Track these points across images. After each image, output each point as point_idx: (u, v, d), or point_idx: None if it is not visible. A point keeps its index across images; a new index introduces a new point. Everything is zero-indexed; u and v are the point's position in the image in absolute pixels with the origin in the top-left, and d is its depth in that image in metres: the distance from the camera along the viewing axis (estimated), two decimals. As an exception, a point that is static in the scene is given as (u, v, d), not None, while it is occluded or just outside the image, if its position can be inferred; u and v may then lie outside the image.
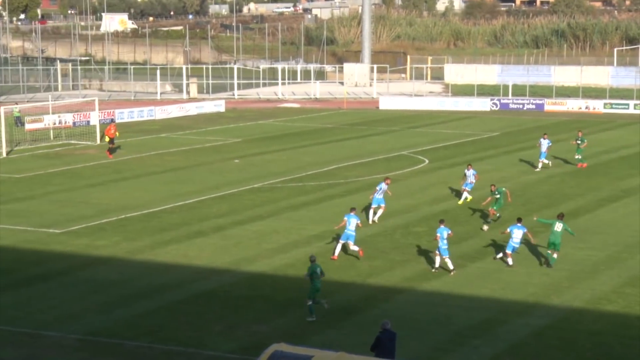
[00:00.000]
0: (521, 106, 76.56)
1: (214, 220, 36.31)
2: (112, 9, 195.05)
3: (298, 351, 18.04)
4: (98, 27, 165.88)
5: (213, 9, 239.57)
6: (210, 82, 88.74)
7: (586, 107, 75.18)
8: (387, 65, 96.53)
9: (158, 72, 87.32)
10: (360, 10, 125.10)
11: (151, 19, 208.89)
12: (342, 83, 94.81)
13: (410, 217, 36.82)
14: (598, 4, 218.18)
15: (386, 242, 32.87)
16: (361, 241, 32.78)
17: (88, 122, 64.77)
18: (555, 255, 29.80)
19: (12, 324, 24.56)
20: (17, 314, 25.40)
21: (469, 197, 39.00)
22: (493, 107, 76.74)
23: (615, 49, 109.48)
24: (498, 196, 35.25)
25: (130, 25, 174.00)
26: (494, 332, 24.11)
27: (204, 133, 62.75)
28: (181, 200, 39.92)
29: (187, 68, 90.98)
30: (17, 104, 68.37)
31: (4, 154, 52.66)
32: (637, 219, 36.27)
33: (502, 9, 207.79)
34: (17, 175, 46.36)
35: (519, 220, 30.31)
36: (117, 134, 52.95)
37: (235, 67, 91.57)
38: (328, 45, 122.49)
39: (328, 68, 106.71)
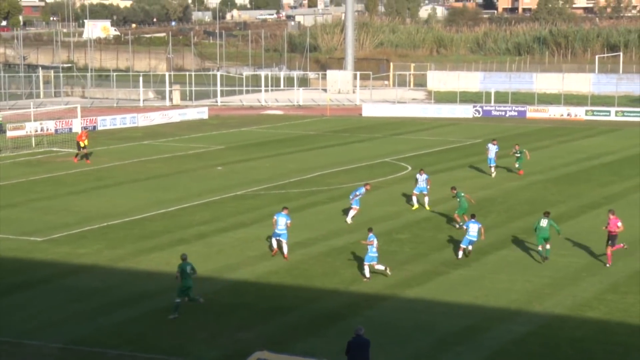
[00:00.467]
0: (503, 113, 76.88)
1: (197, 227, 36.23)
2: (94, 15, 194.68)
3: (281, 359, 18.04)
4: (80, 34, 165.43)
5: (196, 15, 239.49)
6: (193, 89, 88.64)
7: (568, 114, 75.59)
8: (370, 72, 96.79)
9: (141, 79, 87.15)
10: (343, 17, 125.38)
11: (134, 25, 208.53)
12: (325, 90, 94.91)
13: (393, 224, 36.87)
14: (579, 11, 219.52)
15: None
16: (344, 248, 32.84)
17: (70, 129, 64.53)
18: (548, 247, 30.91)
19: (-7, 333, 24.41)
20: (-2, 323, 25.25)
21: (427, 206, 39.09)
22: (475, 114, 77.02)
23: (597, 56, 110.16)
24: (459, 200, 35.60)
25: (112, 32, 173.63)
26: (476, 339, 24.16)
27: (187, 140, 62.65)
28: (164, 208, 39.81)
29: (169, 75, 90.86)
30: (-2, 111, 68.04)
31: (-15, 162, 52.37)
32: (619, 225, 36.43)
33: (485, 16, 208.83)
34: (-2, 182, 46.12)
35: (473, 216, 32.02)
36: (87, 142, 53.00)
37: (218, 74, 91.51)
38: (311, 52, 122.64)
39: (311, 75, 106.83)
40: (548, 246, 30.91)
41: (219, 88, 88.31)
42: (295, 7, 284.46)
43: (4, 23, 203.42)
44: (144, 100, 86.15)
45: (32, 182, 46.41)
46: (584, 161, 52.60)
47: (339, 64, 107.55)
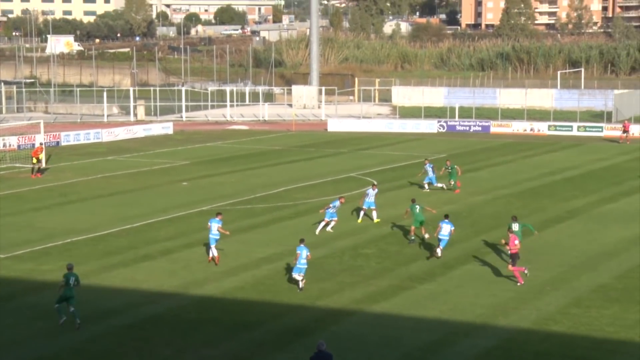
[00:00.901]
0: (468, 128, 77.41)
1: (162, 243, 36.03)
2: (57, 30, 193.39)
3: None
4: (43, 49, 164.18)
5: (160, 30, 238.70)
6: (158, 104, 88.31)
7: (531, 129, 76.31)
8: (335, 88, 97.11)
9: (105, 94, 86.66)
10: (308, 33, 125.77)
11: (98, 40, 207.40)
12: (290, 105, 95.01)
13: (358, 238, 36.92)
14: (541, 28, 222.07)
15: (335, 264, 32.90)
16: (310, 263, 32.78)
17: (33, 145, 63.84)
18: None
19: (-46, 352, 24.05)
20: (-40, 341, 24.88)
21: (376, 219, 39.44)
22: (440, 129, 77.49)
23: (559, 72, 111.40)
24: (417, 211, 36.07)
25: (76, 47, 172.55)
26: (442, 354, 24.24)
27: (152, 155, 62.35)
28: (128, 224, 39.55)
29: (134, 90, 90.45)
30: (-40, 126, 67.28)
31: (-53, 178, 51.72)
32: (582, 240, 36.83)
33: (448, 32, 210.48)
34: (-41, 199, 45.55)
35: (446, 216, 34.01)
36: (41, 156, 53.09)
37: (183, 89, 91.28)
38: (276, 67, 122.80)
39: (276, 90, 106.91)
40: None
41: (183, 103, 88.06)
42: (260, 23, 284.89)
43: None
44: (108, 116, 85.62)
45: (-5, 198, 45.89)
46: (547, 176, 53.09)
47: (304, 79, 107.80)
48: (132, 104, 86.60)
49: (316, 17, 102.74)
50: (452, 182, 47.12)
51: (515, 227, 32.92)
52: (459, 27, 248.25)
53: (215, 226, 32.75)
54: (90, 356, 23.84)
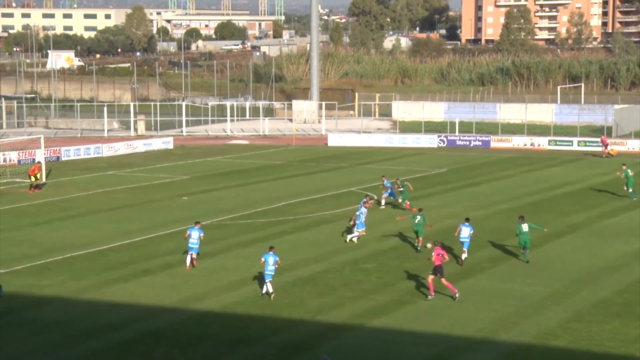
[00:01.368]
0: (468, 143, 77.43)
1: (162, 258, 35.99)
2: (58, 46, 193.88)
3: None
4: (44, 65, 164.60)
5: (161, 46, 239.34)
6: (158, 119, 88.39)
7: (531, 144, 76.32)
8: (336, 102, 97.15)
9: (105, 109, 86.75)
10: (308, 48, 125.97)
11: (98, 56, 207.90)
12: (290, 120, 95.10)
13: (359, 253, 36.89)
14: (541, 43, 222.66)
15: (335, 279, 32.86)
16: (310, 278, 32.81)
17: (33, 159, 63.80)
18: (527, 252, 34.90)
19: (-47, 367, 24.00)
20: (-41, 356, 24.84)
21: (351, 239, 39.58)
22: (440, 143, 77.52)
23: (559, 87, 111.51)
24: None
25: (77, 62, 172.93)
26: (443, 368, 24.17)
27: (152, 170, 62.37)
28: (128, 238, 39.53)
29: (134, 105, 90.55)
30: (-40, 141, 67.33)
31: (-53, 192, 51.73)
32: (583, 254, 36.80)
33: (448, 47, 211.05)
34: (-40, 213, 45.54)
35: (467, 219, 35.58)
36: (39, 175, 53.49)
37: (184, 104, 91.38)
38: (277, 82, 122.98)
39: (277, 105, 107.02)
40: (527, 252, 34.85)
41: (184, 118, 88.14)
42: (260, 38, 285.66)
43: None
44: (108, 131, 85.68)
45: (-5, 213, 45.88)
46: (547, 190, 53.08)
47: (305, 94, 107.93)
48: (132, 118, 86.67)
49: (316, 32, 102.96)
50: (400, 200, 45.95)
51: (525, 227, 34.70)
52: (459, 42, 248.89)
53: (195, 234, 33.97)
54: (89, 371, 23.78)
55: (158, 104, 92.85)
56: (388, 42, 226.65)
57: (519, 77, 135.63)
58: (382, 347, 25.76)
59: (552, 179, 57.48)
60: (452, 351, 25.40)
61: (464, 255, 35.10)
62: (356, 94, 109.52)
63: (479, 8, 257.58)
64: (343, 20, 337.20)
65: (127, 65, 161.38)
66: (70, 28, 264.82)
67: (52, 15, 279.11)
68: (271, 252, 30.55)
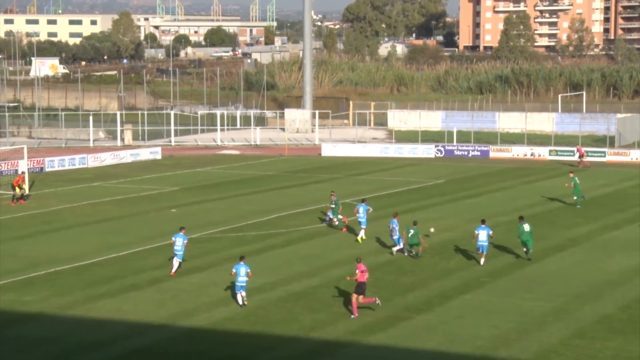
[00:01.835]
0: (466, 153, 77.56)
1: (150, 272, 35.92)
2: (42, 53, 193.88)
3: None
4: (27, 72, 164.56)
5: (149, 53, 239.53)
6: (146, 128, 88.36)
7: (531, 154, 76.47)
8: (330, 111, 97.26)
9: (91, 118, 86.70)
10: (301, 55, 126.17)
11: (84, 63, 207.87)
12: (283, 129, 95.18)
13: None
14: (541, 50, 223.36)
15: (329, 294, 32.82)
16: (303, 293, 32.77)
17: (16, 171, 63.76)
18: (530, 251, 37.31)
19: None
20: (-62, 375, 24.73)
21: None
22: (437, 153, 77.63)
23: (560, 95, 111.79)
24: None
25: (61, 70, 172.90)
26: (441, 387, 24.14)
27: (139, 181, 62.31)
28: (115, 252, 39.46)
29: (121, 114, 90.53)
30: (-60, 151, 67.21)
31: None
32: (585, 268, 36.83)
33: (445, 54, 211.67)
34: (-61, 227, 45.40)
35: (483, 221, 37.44)
36: (24, 186, 53.57)
37: (172, 112, 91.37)
38: (268, 90, 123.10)
39: (268, 114, 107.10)
40: (530, 250, 37.37)
41: (172, 127, 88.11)
42: (251, 45, 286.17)
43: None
44: (94, 141, 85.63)
45: (-24, 226, 45.77)
46: (548, 202, 53.15)
47: (297, 102, 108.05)
48: (119, 128, 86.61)
49: (309, 38, 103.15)
50: (331, 215, 45.06)
51: (527, 227, 37.19)
52: (456, 49, 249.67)
53: (180, 241, 35.33)
54: (74, 390, 23.69)
55: (146, 112, 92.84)
56: (383, 49, 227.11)
57: (519, 85, 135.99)
58: (378, 364, 25.71)
59: (553, 191, 57.55)
60: (450, 369, 25.36)
61: (482, 260, 36.76)
62: (350, 103, 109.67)
63: (477, 14, 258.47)
64: (337, 27, 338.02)
65: (114, 72, 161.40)
66: (54, 34, 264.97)
67: (35, 21, 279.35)
68: (242, 263, 31.23)
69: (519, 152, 76.96)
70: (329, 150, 79.05)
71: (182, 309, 31.02)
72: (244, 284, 30.91)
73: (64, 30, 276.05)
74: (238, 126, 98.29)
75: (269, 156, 77.88)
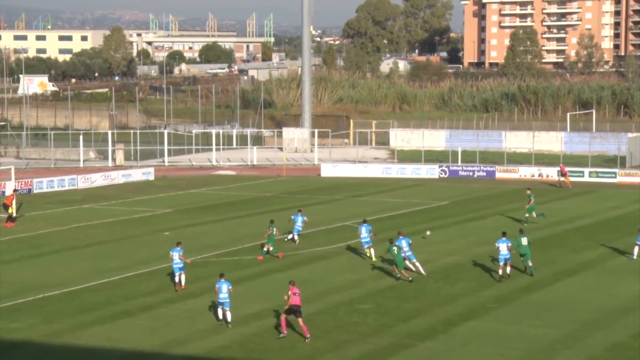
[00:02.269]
0: (471, 173, 77.65)
1: (142, 298, 35.88)
2: (30, 70, 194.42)
3: None
4: (15, 90, 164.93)
5: (141, 70, 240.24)
6: (138, 148, 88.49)
7: (539, 175, 76.52)
8: (329, 130, 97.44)
9: (81, 137, 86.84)
10: (299, 72, 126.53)
11: (74, 80, 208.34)
12: (281, 149, 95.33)
13: (354, 293, 36.82)
14: (549, 67, 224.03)
15: (329, 321, 32.78)
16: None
17: (3, 192, 63.85)
18: (530, 264, 38.99)
19: None
20: None
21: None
22: (441, 174, 77.72)
23: (568, 114, 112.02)
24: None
25: (50, 87, 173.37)
26: (446, 418, 24.07)
27: (131, 203, 62.33)
28: (105, 277, 39.41)
29: (112, 133, 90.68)
30: None
31: None
32: (595, 294, 36.78)
33: (450, 70, 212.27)
34: None
35: (504, 234, 39.22)
36: (13, 204, 53.85)
37: (166, 132, 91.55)
38: (266, 108, 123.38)
39: (266, 133, 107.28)
40: (530, 263, 38.99)
41: (166, 147, 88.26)
42: (248, 61, 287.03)
43: None
44: (84, 161, 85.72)
45: (-39, 250, 45.75)
46: (556, 225, 53.15)
47: (296, 121, 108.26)
48: (110, 148, 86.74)
49: (308, 55, 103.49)
50: (266, 242, 44.18)
51: (524, 240, 38.86)
52: (461, 66, 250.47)
53: (177, 255, 36.93)
54: (62, 422, 23.61)
55: (138, 132, 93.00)
56: (385, 66, 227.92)
57: (526, 103, 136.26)
58: (380, 395, 25.65)
59: (561, 213, 57.57)
60: (455, 399, 25.31)
61: (508, 269, 38.64)
62: (351, 121, 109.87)
63: (482, 29, 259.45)
64: (337, 42, 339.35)
65: (105, 90, 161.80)
66: (43, 51, 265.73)
67: (24, 37, 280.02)
68: (223, 280, 32.44)
69: (526, 172, 77.04)
70: (328, 171, 79.14)
71: (175, 336, 30.97)
72: (227, 301, 32.01)
73: (53, 46, 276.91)
74: (234, 146, 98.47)
75: (267, 177, 77.95)
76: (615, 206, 60.44)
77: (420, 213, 57.86)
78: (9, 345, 30.10)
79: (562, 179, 70.48)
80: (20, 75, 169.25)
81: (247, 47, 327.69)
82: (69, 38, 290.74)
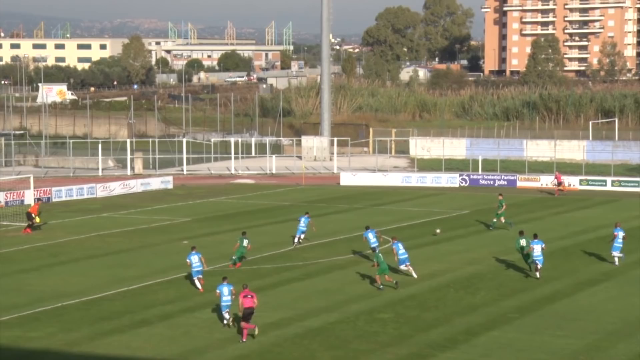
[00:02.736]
0: (492, 182, 77.45)
1: (160, 307, 35.97)
2: (49, 78, 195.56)
3: None
4: (34, 99, 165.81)
5: (160, 78, 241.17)
6: (157, 156, 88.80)
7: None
8: (349, 138, 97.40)
9: (100, 146, 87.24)
10: (318, 80, 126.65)
11: (92, 89, 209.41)
12: (300, 157, 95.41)
13: (374, 302, 36.79)
14: (571, 75, 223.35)
15: (349, 330, 32.76)
16: (321, 329, 32.72)
17: (22, 201, 64.25)
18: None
19: None
20: (-60, 414, 24.80)
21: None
22: (462, 183, 77.57)
23: (591, 122, 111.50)
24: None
25: (69, 96, 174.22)
26: None
27: (150, 212, 62.54)
28: (124, 286, 39.55)
29: (131, 142, 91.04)
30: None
31: None
32: (618, 304, 36.60)
33: (470, 78, 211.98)
34: (-58, 259, 45.69)
35: (535, 236, 40.68)
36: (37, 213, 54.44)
37: (184, 140, 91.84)
38: (285, 116, 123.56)
39: (285, 141, 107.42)
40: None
41: (184, 155, 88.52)
42: (267, 69, 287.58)
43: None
44: (103, 169, 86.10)
45: (-20, 258, 46.02)
46: (579, 234, 52.94)
47: (315, 129, 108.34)
48: (129, 156, 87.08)
49: (327, 63, 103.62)
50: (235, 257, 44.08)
51: (523, 242, 40.96)
52: (481, 74, 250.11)
53: (195, 258, 38.77)
54: None
55: (157, 140, 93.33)
56: (405, 74, 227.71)
57: (547, 111, 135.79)
58: (400, 405, 25.62)
59: (584, 222, 57.35)
60: (476, 410, 25.24)
61: (537, 274, 40.10)
62: (370, 130, 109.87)
63: (503, 37, 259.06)
64: (356, 50, 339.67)
65: (124, 98, 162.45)
66: (62, 59, 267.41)
67: (43, 46, 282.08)
68: (225, 283, 33.41)
69: (547, 181, 76.75)
70: (347, 180, 79.15)
71: (194, 345, 31.03)
72: (229, 303, 32.97)
73: (72, 55, 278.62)
74: (253, 154, 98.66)
75: (285, 186, 78.03)
76: (638, 215, 60.12)
77: (441, 222, 57.70)
78: (28, 354, 30.24)
79: (559, 186, 70.58)
80: (39, 84, 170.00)
81: (266, 55, 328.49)
82: (88, 46, 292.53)
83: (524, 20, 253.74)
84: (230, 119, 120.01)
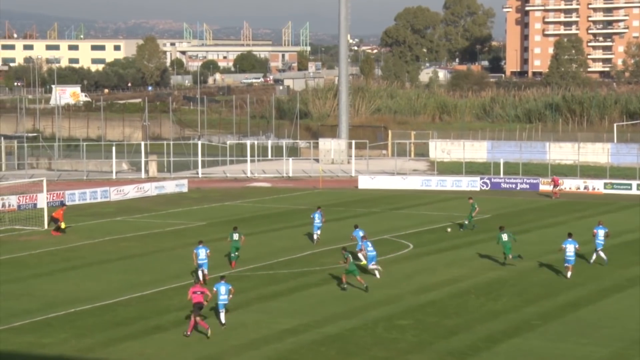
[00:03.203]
0: (514, 186, 77.22)
1: (175, 313, 35.99)
2: (63, 80, 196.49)
3: None
4: (47, 101, 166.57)
5: (175, 79, 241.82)
6: (172, 159, 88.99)
7: (585, 187, 75.92)
8: (367, 141, 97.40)
9: (114, 149, 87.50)
10: (336, 81, 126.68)
11: (106, 91, 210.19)
12: (317, 160, 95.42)
13: (393, 308, 36.70)
14: (595, 76, 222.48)
15: (367, 337, 32.68)
16: (339, 335, 32.65)
17: (35, 204, 64.49)
18: (511, 257, 43.42)
19: None
20: (-49, 422, 24.88)
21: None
22: (483, 186, 77.36)
23: (615, 124, 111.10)
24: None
25: (83, 98, 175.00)
26: None
27: (165, 216, 62.64)
28: (138, 291, 39.60)
29: (145, 144, 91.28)
30: (-45, 184, 68.08)
31: (-60, 240, 52.21)
32: (644, 310, 36.36)
33: (491, 80, 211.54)
34: (-47, 263, 45.90)
35: (570, 235, 41.90)
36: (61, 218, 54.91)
37: (200, 143, 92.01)
38: (301, 118, 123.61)
39: (302, 144, 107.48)
40: (511, 257, 43.36)
41: (199, 158, 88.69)
42: (283, 71, 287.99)
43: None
44: (116, 172, 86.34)
45: (-8, 263, 46.21)
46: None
47: (332, 131, 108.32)
48: (143, 159, 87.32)
49: (345, 64, 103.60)
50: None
51: (505, 237, 42.72)
52: (503, 75, 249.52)
53: (203, 252, 40.42)
54: None
55: (171, 143, 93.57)
56: (424, 75, 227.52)
57: (571, 113, 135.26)
58: (420, 414, 25.53)
59: (608, 227, 56.83)
60: (498, 419, 25.12)
61: (569, 274, 41.24)
62: (389, 132, 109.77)
63: (525, 37, 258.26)
64: (375, 51, 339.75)
65: (138, 100, 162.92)
66: (76, 60, 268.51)
67: (56, 47, 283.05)
68: (223, 282, 34.06)
69: (571, 185, 76.46)
70: (366, 183, 79.06)
71: (209, 352, 31.02)
72: (226, 302, 33.82)
73: (85, 56, 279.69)
74: (269, 157, 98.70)
75: (302, 189, 78.03)
76: (665, 220, 59.77)
77: (461, 226, 57.53)
78: (40, 360, 30.33)
79: (556, 189, 71.10)
80: (53, 86, 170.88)
81: (283, 56, 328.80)
82: (102, 48, 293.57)
83: (546, 20, 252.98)
84: (246, 121, 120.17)
